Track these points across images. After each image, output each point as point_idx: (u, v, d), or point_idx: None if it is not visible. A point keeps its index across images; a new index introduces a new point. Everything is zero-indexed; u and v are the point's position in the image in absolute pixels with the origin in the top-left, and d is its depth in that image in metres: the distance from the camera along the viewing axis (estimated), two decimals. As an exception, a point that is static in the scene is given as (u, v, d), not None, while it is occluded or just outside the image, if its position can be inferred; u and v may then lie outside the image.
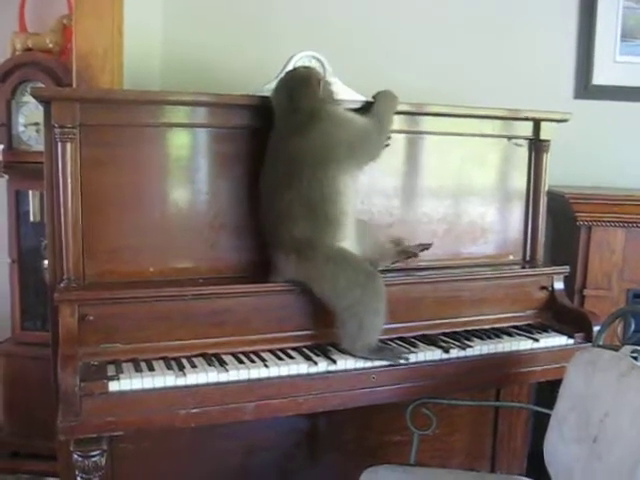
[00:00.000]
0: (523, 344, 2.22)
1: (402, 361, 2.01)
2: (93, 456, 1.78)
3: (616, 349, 1.82)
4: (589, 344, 2.13)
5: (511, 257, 2.51)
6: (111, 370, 1.84)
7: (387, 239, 2.31)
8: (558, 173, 2.65)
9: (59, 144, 1.92)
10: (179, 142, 2.11)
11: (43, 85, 2.84)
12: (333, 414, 2.11)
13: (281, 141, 2.05)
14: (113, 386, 1.76)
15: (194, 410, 1.80)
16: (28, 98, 3.01)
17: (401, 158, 2.37)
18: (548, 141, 2.49)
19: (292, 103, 2.04)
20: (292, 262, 2.03)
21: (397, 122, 2.30)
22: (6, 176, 3.04)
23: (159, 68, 2.84)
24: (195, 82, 2.60)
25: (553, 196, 2.62)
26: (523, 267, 2.51)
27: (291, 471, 2.41)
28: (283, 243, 2.03)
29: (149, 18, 2.85)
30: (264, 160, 2.08)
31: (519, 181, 2.53)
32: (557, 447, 1.87)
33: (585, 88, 3.07)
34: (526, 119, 2.46)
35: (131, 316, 1.91)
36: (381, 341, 2.05)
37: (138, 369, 1.84)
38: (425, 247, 2.31)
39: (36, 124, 3.00)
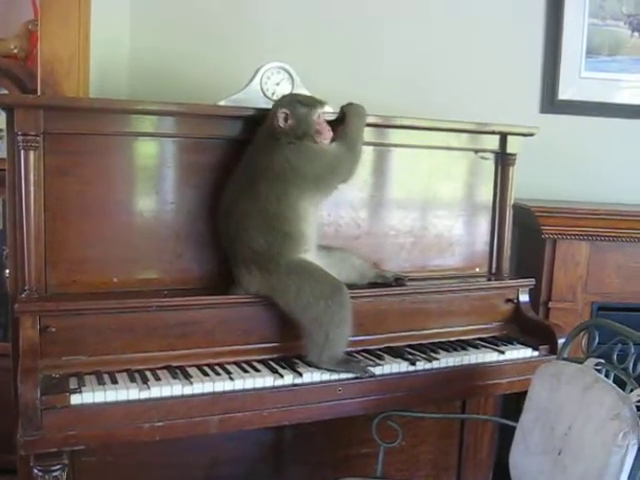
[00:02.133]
0: (489, 356, 2.23)
1: (367, 374, 2.01)
2: (54, 470, 1.75)
3: (580, 362, 1.83)
4: (554, 357, 2.14)
5: (477, 269, 2.53)
6: (73, 383, 1.80)
7: (364, 263, 2.29)
8: (524, 186, 2.68)
9: (22, 152, 1.89)
10: (145, 151, 2.09)
11: (7, 91, 2.79)
12: (299, 426, 2.11)
13: (248, 155, 2.07)
14: (75, 399, 1.73)
15: (158, 423, 1.78)
16: (-9, 104, 2.96)
17: (368, 170, 2.37)
18: (514, 155, 2.51)
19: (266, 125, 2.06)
20: (254, 276, 2.02)
21: (365, 134, 2.30)
22: (-32, 183, 2.98)
23: (126, 76, 2.80)
24: (163, 91, 2.59)
25: (519, 209, 2.64)
26: (489, 279, 2.52)
27: (256, 484, 2.39)
28: (243, 256, 2.03)
29: (116, 25, 2.81)
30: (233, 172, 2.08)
31: (486, 194, 2.55)
32: (522, 459, 1.88)
33: (551, 103, 3.11)
34: (493, 133, 2.48)
35: (94, 328, 1.88)
36: (347, 353, 2.05)
37: (101, 382, 1.81)
38: (401, 281, 2.30)
39: (0, 130, 2.95)
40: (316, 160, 2.06)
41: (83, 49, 2.50)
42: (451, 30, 3.02)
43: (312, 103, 2.08)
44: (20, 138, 1.88)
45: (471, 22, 3.03)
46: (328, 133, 2.08)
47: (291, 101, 2.07)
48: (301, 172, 2.02)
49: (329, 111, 2.21)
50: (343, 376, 1.99)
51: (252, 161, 2.05)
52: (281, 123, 2.02)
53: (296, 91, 2.23)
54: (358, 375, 2.00)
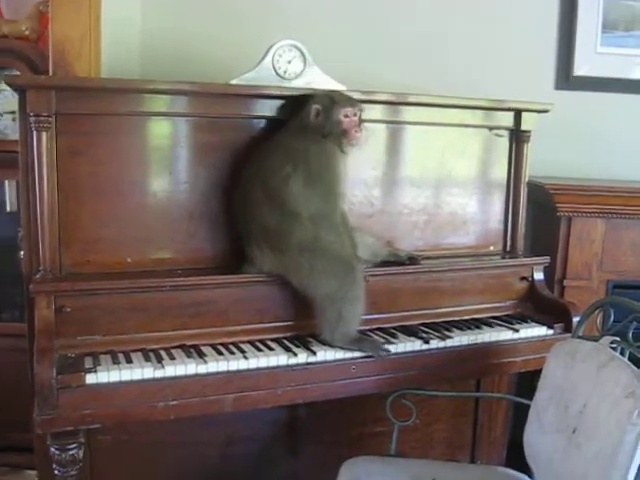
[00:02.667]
0: (503, 335, 2.22)
1: (383, 353, 2.01)
2: (70, 449, 1.77)
3: (596, 340, 1.82)
4: (569, 335, 2.13)
5: (491, 248, 2.51)
6: (88, 362, 1.81)
7: (377, 241, 2.28)
8: (539, 164, 2.65)
9: (34, 133, 1.88)
10: (158, 131, 2.09)
11: (19, 73, 2.80)
12: (313, 405, 2.11)
13: (275, 140, 2.08)
14: (90, 379, 1.74)
15: (173, 402, 1.79)
16: (4, 86, 2.95)
17: (382, 148, 2.36)
18: (529, 131, 2.48)
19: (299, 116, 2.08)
20: (267, 255, 2.03)
21: (378, 112, 2.30)
22: (-18, 165, 2.99)
23: (138, 56, 2.79)
24: (174, 70, 2.57)
25: (533, 187, 2.62)
26: (503, 257, 2.51)
27: (271, 462, 2.40)
28: (256, 235, 2.03)
29: (127, 5, 2.80)
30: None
31: (500, 171, 2.53)
32: (536, 437, 1.87)
33: (566, 79, 3.08)
34: (507, 109, 2.45)
35: (109, 307, 1.89)
36: (360, 332, 2.05)
37: (116, 361, 1.82)
38: (414, 260, 2.29)
39: (12, 112, 2.95)
40: (325, 171, 2.06)
41: (94, 30, 2.49)
42: (466, 6, 2.98)
43: (342, 101, 2.08)
44: (32, 119, 1.87)
45: (486, -1, 2.99)
46: (355, 134, 2.07)
47: (324, 97, 2.08)
48: (312, 174, 2.03)
49: (340, 88, 2.20)
50: (357, 354, 1.99)
51: (277, 147, 2.05)
52: (312, 118, 2.04)
53: (308, 69, 2.21)
54: (371, 354, 2.00)
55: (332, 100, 2.06)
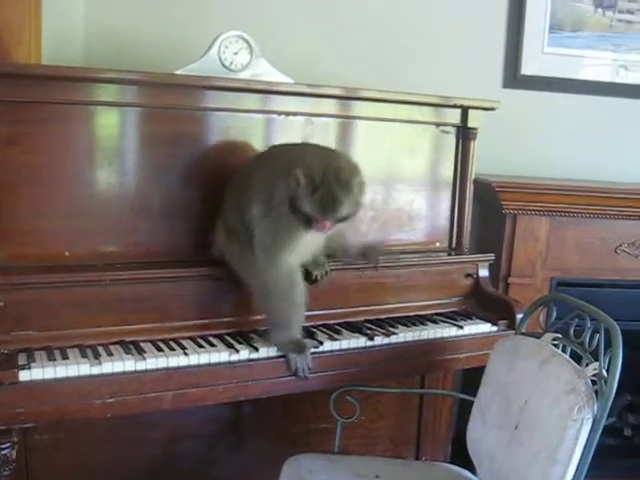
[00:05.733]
0: (447, 331, 2.23)
1: (299, 367, 1.94)
2: (2, 449, 1.71)
3: (538, 337, 1.84)
4: (512, 332, 2.15)
5: (437, 244, 2.52)
6: (22, 359, 1.75)
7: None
8: (485, 161, 2.66)
9: (-32, 120, 1.82)
10: (100, 121, 2.02)
11: (-45, 59, 2.71)
12: (258, 402, 2.08)
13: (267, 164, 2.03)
14: (24, 375, 1.68)
15: (110, 400, 1.74)
16: (-61, 72, 2.86)
17: (331, 142, 2.32)
18: (476, 129, 2.49)
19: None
20: (227, 240, 2.01)
21: (328, 106, 2.28)
22: None
23: (81, 45, 2.72)
24: (119, 61, 2.51)
25: (480, 184, 2.64)
26: (449, 254, 2.51)
27: (215, 459, 2.38)
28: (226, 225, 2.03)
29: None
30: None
31: (447, 168, 2.53)
32: (479, 434, 1.89)
33: (513, 78, 3.10)
34: (454, 106, 2.45)
35: (44, 302, 1.83)
36: (304, 328, 2.02)
37: (51, 357, 1.77)
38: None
39: (-51, 100, 2.86)
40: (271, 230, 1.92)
41: (34, 17, 2.41)
42: (416, 2, 2.98)
43: (328, 204, 1.79)
44: (-33, 106, 1.81)
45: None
46: (322, 228, 1.84)
47: (318, 179, 1.80)
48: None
49: (287, 81, 2.18)
50: (303, 351, 1.98)
51: (265, 170, 1.99)
52: (292, 185, 1.81)
53: (255, 61, 2.18)
54: (291, 366, 1.94)
55: (321, 193, 1.78)
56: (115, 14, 2.73)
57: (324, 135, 2.29)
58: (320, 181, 1.78)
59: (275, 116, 2.21)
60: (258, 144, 2.18)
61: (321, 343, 2.02)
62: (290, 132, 2.22)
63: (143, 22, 2.73)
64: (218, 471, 2.38)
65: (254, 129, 2.22)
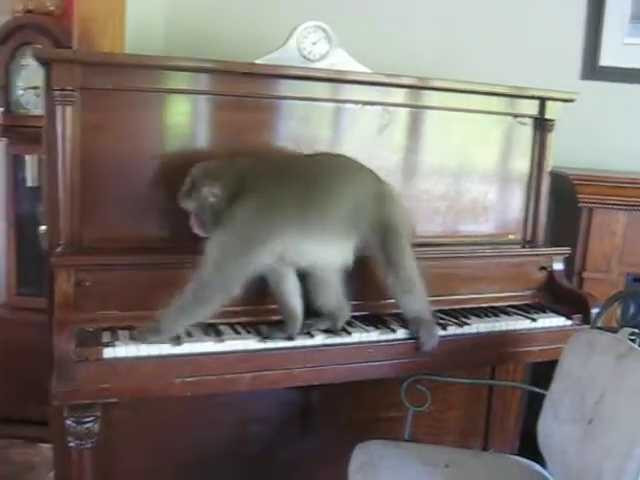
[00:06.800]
0: (520, 323, 2.21)
1: None
2: (86, 422, 1.77)
3: (614, 331, 1.81)
4: (587, 326, 2.13)
5: (511, 236, 2.49)
6: (106, 337, 1.82)
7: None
8: (562, 154, 2.63)
9: (59, 107, 1.89)
10: (181, 108, 2.08)
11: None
12: (327, 388, 2.09)
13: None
14: (108, 353, 1.75)
15: (190, 379, 1.79)
16: (28, 61, 2.98)
17: (404, 133, 2.34)
18: (553, 121, 2.46)
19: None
20: None
21: (401, 96, 2.28)
22: (4, 140, 3.02)
23: (162, 35, 2.79)
24: (198, 49, 2.57)
25: (556, 177, 2.60)
26: (523, 247, 2.49)
27: (283, 443, 2.41)
28: None
29: (152, -18, 2.80)
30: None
31: (522, 160, 2.51)
32: (551, 428, 1.87)
33: (592, 69, 3.04)
34: (532, 97, 2.43)
35: (128, 283, 1.89)
36: (376, 316, 2.05)
37: (134, 336, 1.82)
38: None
39: (35, 88, 2.98)
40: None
41: (119, 7, 2.50)
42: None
43: None
44: (57, 93, 1.87)
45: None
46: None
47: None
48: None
49: (366, 71, 2.19)
50: (374, 337, 1.99)
51: None
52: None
53: (333, 51, 2.20)
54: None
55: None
56: (195, 4, 2.79)
57: (398, 125, 2.30)
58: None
59: (352, 105, 2.22)
60: (333, 133, 2.21)
61: (394, 331, 2.04)
62: (367, 121, 2.25)
63: (222, 12, 2.79)
64: (286, 455, 2.41)
65: (327, 118, 2.25)
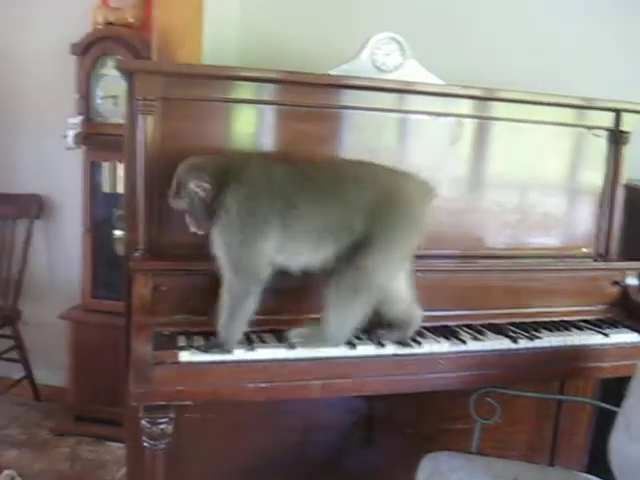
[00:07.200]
0: (593, 339, 2.18)
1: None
2: (161, 423, 1.82)
3: (692, 349, 1.77)
4: (662, 342, 2.08)
5: (583, 250, 2.45)
6: (182, 341, 1.87)
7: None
8: (638, 166, 2.57)
9: (140, 116, 1.95)
10: (256, 118, 2.12)
11: (121, 59, 2.89)
12: (391, 397, 2.10)
13: None
14: (184, 356, 1.79)
15: (262, 385, 1.82)
16: (107, 71, 3.08)
17: (474, 145, 2.33)
18: (629, 133, 2.41)
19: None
20: None
21: (468, 107, 2.27)
22: (83, 147, 3.11)
23: (236, 45, 2.84)
24: (270, 60, 2.61)
25: (630, 189, 2.54)
26: (596, 260, 2.45)
27: (347, 451, 2.42)
28: None
29: (228, -5, 2.86)
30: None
31: (595, 172, 2.46)
32: (624, 446, 1.83)
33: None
34: (607, 109, 2.39)
35: (203, 288, 1.94)
36: (446, 327, 2.03)
37: (207, 340, 1.87)
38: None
39: (113, 97, 3.07)
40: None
41: (197, 18, 2.55)
42: (571, 4, 2.91)
43: None
44: (139, 103, 1.94)
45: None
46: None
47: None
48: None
49: (438, 83, 2.20)
50: (445, 349, 1.99)
51: None
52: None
53: (406, 62, 2.21)
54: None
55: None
56: (268, 16, 2.84)
57: (469, 136, 2.30)
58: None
59: (425, 116, 2.23)
60: (404, 144, 2.22)
61: (465, 343, 2.03)
62: (439, 133, 2.26)
63: (295, 24, 2.82)
64: (350, 463, 2.43)
65: (398, 129, 2.25)
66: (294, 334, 1.91)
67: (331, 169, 1.97)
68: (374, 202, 1.90)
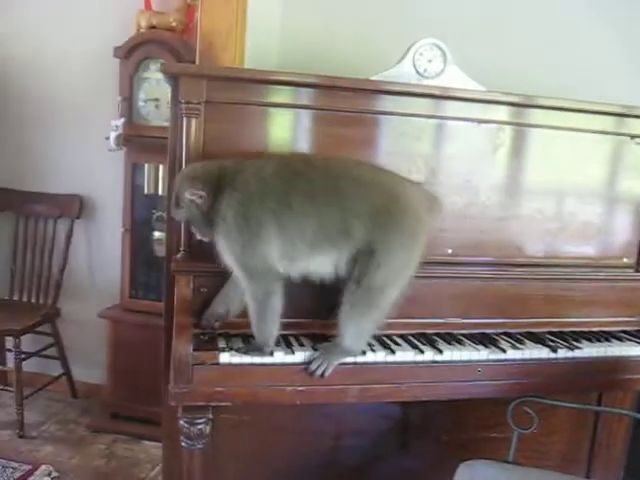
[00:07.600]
0: (633, 350, 2.15)
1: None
2: (199, 424, 1.85)
3: None
4: None
5: (625, 260, 2.41)
6: (222, 342, 1.89)
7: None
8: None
9: (184, 119, 1.97)
10: (297, 122, 2.13)
11: (164, 62, 2.92)
12: (427, 404, 2.09)
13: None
14: (224, 358, 1.81)
15: (300, 388, 1.83)
16: (149, 74, 3.12)
17: (514, 152, 2.31)
18: (672, 142, 2.38)
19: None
20: None
21: (508, 114, 2.26)
22: (125, 148, 3.15)
23: (277, 50, 2.86)
24: (310, 65, 2.62)
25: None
26: (637, 271, 2.41)
27: (382, 457, 2.42)
28: None
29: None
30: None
31: (636, 181, 2.43)
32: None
33: None
34: (648, 117, 2.36)
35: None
36: (484, 334, 2.02)
37: (246, 343, 1.88)
38: None
39: (155, 100, 3.11)
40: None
41: (240, 23, 2.58)
42: (605, 8, 2.88)
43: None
44: (183, 106, 1.96)
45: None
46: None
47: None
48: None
49: (480, 89, 2.19)
50: (484, 357, 1.98)
51: None
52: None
53: (447, 68, 2.21)
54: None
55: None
56: (310, 20, 2.85)
57: (509, 144, 2.28)
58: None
59: (468, 123, 2.22)
60: (445, 150, 2.22)
61: (504, 351, 2.02)
62: (481, 139, 2.25)
63: (337, 29, 2.83)
64: (384, 469, 2.42)
65: (439, 135, 2.24)
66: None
67: (329, 168, 1.93)
68: (375, 208, 1.86)
